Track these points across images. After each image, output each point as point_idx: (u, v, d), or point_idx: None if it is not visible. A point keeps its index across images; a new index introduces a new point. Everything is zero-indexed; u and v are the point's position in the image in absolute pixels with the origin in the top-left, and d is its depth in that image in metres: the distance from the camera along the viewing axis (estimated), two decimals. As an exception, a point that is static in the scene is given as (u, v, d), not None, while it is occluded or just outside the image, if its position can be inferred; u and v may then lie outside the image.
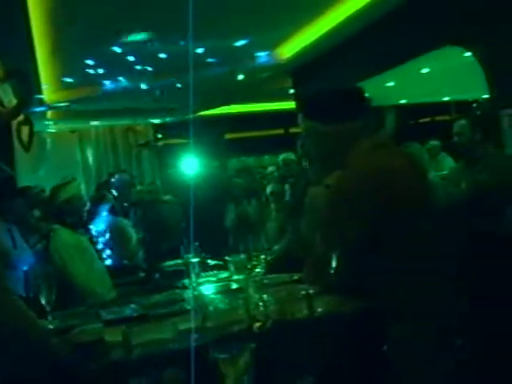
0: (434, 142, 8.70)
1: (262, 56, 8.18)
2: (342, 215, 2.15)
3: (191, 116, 10.78)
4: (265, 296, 1.25)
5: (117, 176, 8.31)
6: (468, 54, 5.85)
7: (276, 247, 4.82)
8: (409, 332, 1.97)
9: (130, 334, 0.92)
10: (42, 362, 1.63)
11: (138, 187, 8.97)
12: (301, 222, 4.65)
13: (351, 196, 2.13)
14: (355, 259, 2.08)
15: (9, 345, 1.58)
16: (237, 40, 7.20)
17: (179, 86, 8.45)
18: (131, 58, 7.37)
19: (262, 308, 1.14)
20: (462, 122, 4.41)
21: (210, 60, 7.76)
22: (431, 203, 2.34)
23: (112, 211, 6.69)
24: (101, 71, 7.85)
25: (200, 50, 7.21)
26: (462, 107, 10.90)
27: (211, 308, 1.07)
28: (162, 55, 7.35)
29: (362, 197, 2.10)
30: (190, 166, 9.24)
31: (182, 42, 6.43)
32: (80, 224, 4.51)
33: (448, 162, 7.99)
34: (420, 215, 2.18)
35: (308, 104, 2.43)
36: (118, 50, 6.93)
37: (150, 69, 7.95)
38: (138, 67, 7.87)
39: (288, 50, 8.10)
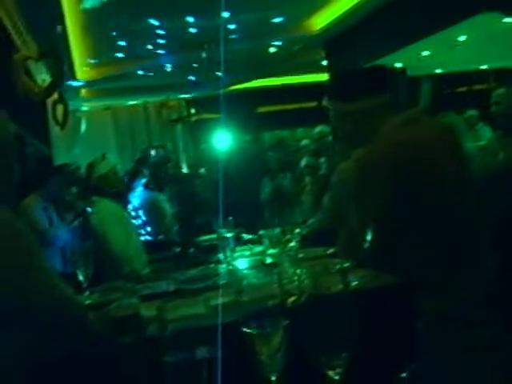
0: (472, 112, 8.52)
1: (293, 28, 8.08)
2: (369, 189, 2.13)
3: (221, 91, 10.76)
4: (299, 270, 1.23)
5: (152, 151, 8.37)
6: (507, 19, 5.68)
7: (311, 221, 4.80)
8: (440, 307, 1.95)
9: (164, 309, 0.91)
10: (78, 337, 1.65)
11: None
12: (327, 196, 4.65)
13: (378, 169, 2.11)
14: (387, 233, 2.07)
15: (47, 321, 1.60)
16: (269, 12, 7.12)
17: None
18: (163, 33, 7.35)
19: (296, 282, 1.13)
20: (501, 90, 4.29)
21: (242, 33, 7.69)
22: (466, 175, 2.30)
23: (147, 186, 6.74)
24: (133, 47, 7.87)
25: (232, 25, 7.16)
26: (500, 75, 10.63)
27: (245, 283, 1.06)
28: (193, 30, 7.32)
29: (388, 169, 2.08)
30: (223, 140, 9.24)
31: (215, 15, 6.37)
32: (118, 198, 4.57)
33: (486, 132, 7.83)
34: (452, 187, 2.14)
35: (332, 85, 2.44)
36: (149, 24, 6.93)
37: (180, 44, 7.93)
38: (170, 42, 7.85)
39: (320, 21, 7.99)
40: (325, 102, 2.39)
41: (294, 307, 1.02)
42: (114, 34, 7.16)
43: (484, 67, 11.74)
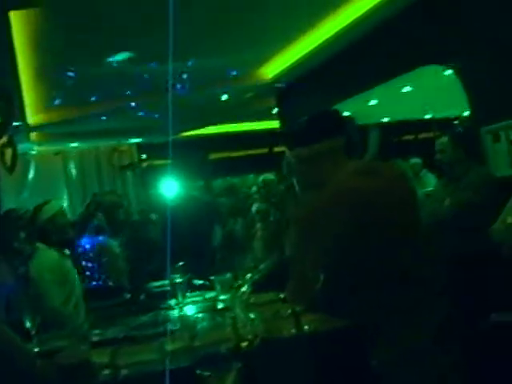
0: (416, 160, 8.82)
1: (245, 76, 8.23)
2: (320, 233, 2.17)
3: (171, 137, 10.78)
4: (251, 314, 1.25)
5: (105, 196, 8.26)
6: (449, 71, 5.93)
7: (262, 266, 4.82)
8: (393, 350, 1.98)
9: (117, 355, 0.91)
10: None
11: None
12: (286, 240, 4.69)
13: (330, 213, 2.15)
14: (337, 278, 2.09)
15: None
16: (220, 60, 7.24)
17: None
18: (114, 79, 7.37)
19: (248, 326, 1.15)
20: (444, 139, 4.46)
21: (193, 80, 7.78)
22: (417, 222, 2.36)
23: (99, 231, 6.65)
24: (85, 92, 7.86)
25: (183, 70, 7.23)
26: (443, 125, 11.02)
27: (198, 327, 1.07)
28: (145, 76, 7.37)
29: (341, 214, 2.12)
30: (174, 186, 9.23)
31: (166, 62, 6.44)
32: (65, 243, 4.43)
33: (430, 179, 8.10)
34: (404, 234, 2.19)
35: (288, 133, 2.51)
36: (101, 71, 6.95)
37: (129, 92, 7.97)
38: (121, 88, 7.88)
39: (271, 69, 8.17)
40: (286, 153, 2.45)
41: (247, 351, 1.03)
42: (67, 79, 7.14)
43: (428, 116, 12.16)
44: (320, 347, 1.06)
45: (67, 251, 4.48)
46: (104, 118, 9.36)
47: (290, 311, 1.16)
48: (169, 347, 0.96)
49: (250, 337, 1.10)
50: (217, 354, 1.00)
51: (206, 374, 0.95)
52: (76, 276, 4.42)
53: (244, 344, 1.04)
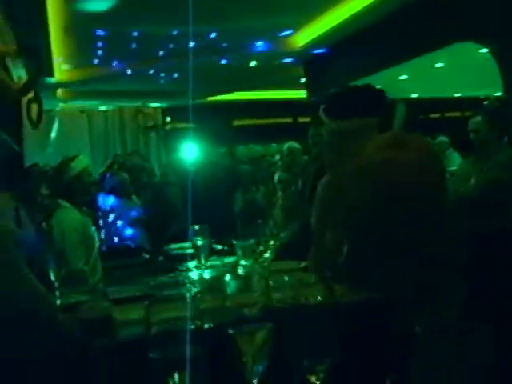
0: (443, 138, 8.70)
1: (274, 43, 8.14)
2: (345, 206, 2.16)
3: (194, 101, 10.75)
4: (278, 280, 1.24)
5: (128, 157, 8.31)
6: (484, 50, 5.80)
7: (283, 234, 4.82)
8: (412, 323, 1.98)
9: (151, 311, 0.91)
10: (51, 337, 1.63)
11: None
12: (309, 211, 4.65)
13: (354, 187, 2.14)
14: (357, 250, 2.09)
15: (21, 320, 1.57)
16: (251, 26, 7.16)
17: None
18: (143, 40, 7.34)
19: (277, 292, 1.15)
20: (478, 118, 4.36)
21: (222, 44, 7.73)
22: (442, 200, 2.33)
23: (121, 191, 6.69)
24: (113, 52, 7.84)
25: (213, 34, 7.18)
26: (472, 104, 10.85)
27: (228, 289, 1.07)
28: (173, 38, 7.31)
29: (365, 187, 2.11)
30: (196, 150, 9.23)
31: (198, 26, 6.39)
32: (87, 202, 4.41)
33: (455, 158, 8.00)
34: (427, 211, 2.17)
35: (330, 101, 2.46)
36: (130, 31, 6.92)
37: (161, 52, 7.92)
38: (151, 50, 7.84)
39: (302, 38, 8.06)
40: (321, 114, 2.42)
41: (277, 313, 1.03)
42: (96, 37, 7.13)
43: (457, 95, 11.97)
44: (344, 317, 1.06)
45: (88, 210, 4.46)
46: (131, 79, 9.35)
47: (313, 280, 1.15)
48: (201, 306, 0.95)
49: (278, 301, 1.09)
50: (248, 315, 1.00)
51: (238, 332, 0.96)
52: (95, 234, 4.43)
53: (274, 307, 1.04)
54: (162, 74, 9.31)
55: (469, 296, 2.26)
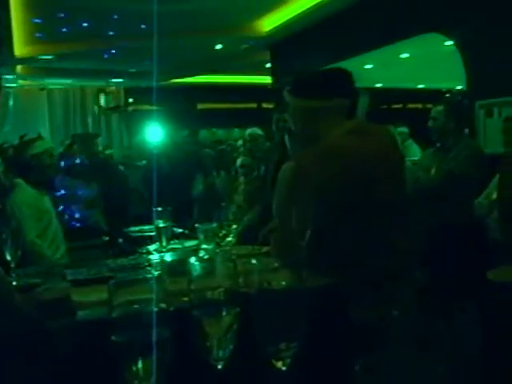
0: (403, 129, 8.80)
1: (242, 27, 8.09)
2: (308, 191, 2.15)
3: (158, 83, 10.62)
4: (245, 264, 1.23)
5: (85, 138, 8.17)
6: (449, 42, 5.86)
7: (246, 218, 4.82)
8: (373, 313, 2.00)
9: (114, 292, 0.89)
10: (7, 318, 1.58)
11: (108, 150, 8.86)
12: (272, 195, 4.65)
13: (318, 171, 2.13)
14: (320, 234, 2.09)
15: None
16: (219, 8, 7.09)
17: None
18: (111, 17, 7.20)
19: (243, 276, 1.13)
20: (439, 107, 4.42)
21: (189, 25, 7.64)
22: (402, 188, 2.35)
23: (79, 173, 6.59)
24: (77, 28, 7.67)
25: (179, 14, 7.07)
26: (434, 96, 10.99)
27: (193, 273, 1.05)
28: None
29: (328, 173, 2.11)
30: (159, 133, 9.15)
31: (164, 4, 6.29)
32: (45, 183, 4.32)
33: (415, 150, 8.09)
34: (388, 198, 2.19)
35: (297, 81, 2.42)
36: (96, 7, 6.77)
37: (129, 29, 7.78)
38: (114, 27, 7.71)
39: (268, 23, 8.03)
40: (285, 97, 2.37)
41: (242, 299, 1.02)
42: (59, 12, 6.96)
43: (421, 86, 12.11)
44: (308, 302, 1.05)
45: (45, 191, 4.35)
46: (92, 57, 9.18)
47: (276, 265, 1.14)
48: (168, 288, 0.94)
49: (244, 285, 1.08)
50: (214, 298, 0.99)
51: (204, 315, 0.94)
52: (53, 215, 4.34)
53: (240, 291, 1.03)
54: (126, 53, 9.17)
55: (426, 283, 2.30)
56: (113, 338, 0.86)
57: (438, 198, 4.31)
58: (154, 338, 0.83)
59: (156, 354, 0.84)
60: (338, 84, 2.28)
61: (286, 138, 4.32)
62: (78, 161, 6.71)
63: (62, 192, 6.34)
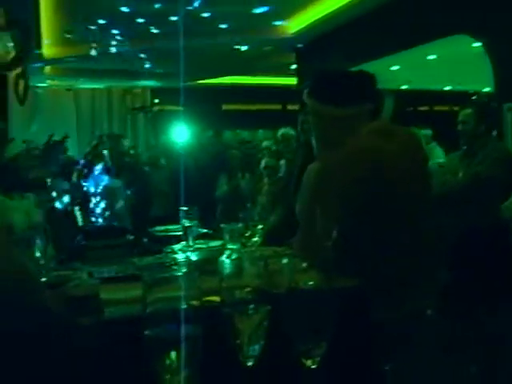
0: (427, 131, 8.73)
1: (267, 28, 8.10)
2: (334, 192, 2.15)
3: (184, 83, 10.66)
4: (276, 264, 1.24)
5: (112, 139, 8.24)
6: (477, 44, 5.81)
7: (271, 218, 4.82)
8: (395, 312, 1.99)
9: (149, 290, 0.90)
10: (37, 314, 1.60)
11: (132, 150, 8.93)
12: (297, 196, 4.65)
13: (343, 173, 2.13)
14: (349, 238, 2.09)
15: (7, 295, 1.55)
16: (245, 11, 7.11)
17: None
18: (137, 20, 7.26)
19: (273, 276, 1.14)
20: (468, 111, 4.37)
21: (215, 26, 7.67)
22: (427, 189, 2.34)
23: (104, 172, 6.65)
24: (104, 31, 7.74)
25: (206, 15, 7.11)
26: (460, 99, 10.87)
27: (224, 271, 1.06)
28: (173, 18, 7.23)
29: (354, 174, 2.10)
30: (185, 133, 9.20)
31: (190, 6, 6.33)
32: (25, 186, 4.19)
33: (438, 152, 8.02)
34: (413, 200, 2.18)
35: (317, 83, 2.39)
36: (123, 10, 6.83)
37: (155, 31, 7.84)
38: (142, 29, 7.76)
39: (294, 25, 8.02)
40: (306, 100, 2.35)
41: (273, 298, 1.03)
42: (86, 14, 7.03)
43: (447, 88, 12.00)
44: (334, 302, 1.06)
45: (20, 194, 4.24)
46: (120, 59, 9.25)
47: (304, 265, 1.15)
48: (199, 286, 0.94)
49: (275, 285, 1.09)
50: (245, 297, 1.00)
51: (235, 312, 0.95)
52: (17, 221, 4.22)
53: (271, 290, 1.03)
54: (152, 55, 9.24)
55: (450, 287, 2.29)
56: (146, 332, 0.87)
57: (466, 201, 4.28)
58: (184, 334, 0.84)
59: (187, 349, 0.85)
60: (361, 89, 2.26)
61: (313, 138, 4.32)
62: (103, 163, 6.77)
63: (90, 190, 6.40)
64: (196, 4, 5.70)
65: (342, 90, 2.25)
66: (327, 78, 2.37)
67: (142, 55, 9.16)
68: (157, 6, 6.66)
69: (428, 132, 8.66)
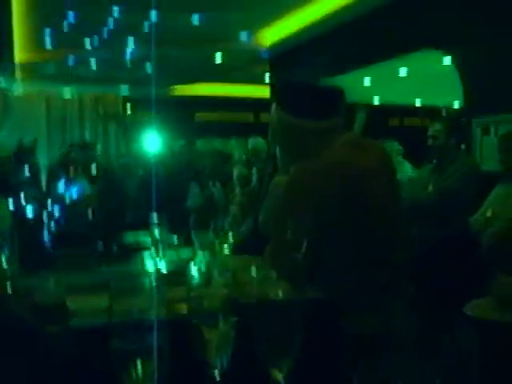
0: (395, 145, 8.81)
1: (242, 38, 8.11)
2: (303, 204, 2.16)
3: (153, 90, 10.59)
4: (245, 275, 1.24)
5: (80, 148, 8.18)
6: (447, 59, 5.90)
7: (243, 228, 4.83)
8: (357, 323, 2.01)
9: (114, 300, 0.89)
10: (5, 321, 1.58)
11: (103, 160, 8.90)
12: (262, 207, 4.68)
13: (313, 185, 2.14)
14: (317, 250, 2.10)
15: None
16: (219, 19, 7.12)
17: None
18: (109, 26, 7.21)
19: (242, 286, 1.14)
20: (438, 125, 4.44)
21: (187, 35, 7.66)
22: (396, 203, 2.36)
23: (74, 180, 6.61)
24: (77, 35, 7.67)
25: (181, 23, 7.10)
26: (429, 112, 11.00)
27: (192, 281, 1.06)
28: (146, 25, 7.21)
29: (323, 187, 2.12)
30: (157, 141, 9.16)
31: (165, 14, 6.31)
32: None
33: (407, 166, 8.09)
34: (382, 213, 2.20)
35: (285, 95, 2.40)
36: (97, 15, 6.78)
37: (129, 38, 7.79)
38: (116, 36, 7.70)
39: (269, 35, 8.06)
40: (272, 108, 2.35)
41: (241, 309, 1.03)
42: (59, 18, 6.96)
43: (417, 103, 12.12)
44: (303, 313, 1.06)
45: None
46: (93, 64, 9.17)
47: (274, 276, 1.15)
48: (167, 296, 0.94)
49: (243, 296, 1.09)
50: (213, 307, 1.00)
51: (203, 324, 0.95)
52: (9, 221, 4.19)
53: (240, 301, 1.03)
54: (125, 61, 9.18)
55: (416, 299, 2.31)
56: (112, 344, 0.86)
57: (434, 215, 4.34)
58: (152, 345, 0.84)
59: (154, 360, 0.85)
60: (332, 103, 2.28)
61: (278, 150, 4.34)
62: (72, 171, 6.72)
63: (60, 196, 6.35)
64: (171, 12, 5.68)
65: (315, 104, 2.26)
66: (298, 90, 2.38)
67: (115, 62, 9.09)
68: (130, 13, 6.64)
69: (396, 146, 8.75)
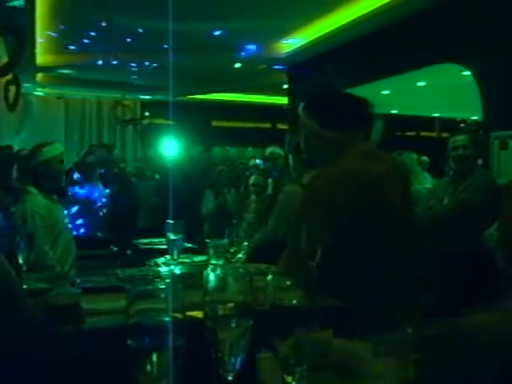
0: (412, 155, 8.77)
1: (261, 47, 8.16)
2: (318, 213, 2.16)
3: (174, 98, 10.68)
4: (260, 281, 1.25)
5: (101, 150, 8.24)
6: (467, 72, 5.88)
7: (257, 236, 4.83)
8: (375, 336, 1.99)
9: (132, 302, 0.90)
10: (19, 322, 1.59)
11: (122, 164, 8.95)
12: (271, 215, 4.69)
13: (328, 194, 2.15)
14: (328, 255, 2.10)
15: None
16: (238, 28, 7.16)
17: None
18: (131, 31, 7.29)
19: (257, 293, 1.15)
20: (460, 137, 4.39)
21: (207, 43, 7.71)
22: (410, 213, 2.36)
23: (91, 182, 6.65)
24: (98, 41, 7.75)
25: (199, 32, 7.16)
26: (448, 125, 10.98)
27: (207, 286, 1.07)
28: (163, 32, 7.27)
29: (338, 196, 2.12)
30: (173, 147, 9.22)
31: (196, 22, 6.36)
32: (57, 189, 4.24)
33: (426, 177, 8.06)
34: (396, 223, 2.19)
35: (314, 102, 2.41)
36: (118, 21, 6.85)
37: (148, 44, 7.87)
38: (136, 43, 7.79)
39: (287, 45, 8.09)
40: (300, 112, 2.36)
41: (257, 313, 1.04)
42: (82, 23, 7.05)
43: (436, 115, 12.11)
44: (315, 321, 1.07)
45: (56, 197, 4.28)
46: (113, 70, 9.26)
47: (288, 283, 1.16)
48: (182, 299, 0.95)
49: (259, 302, 1.10)
50: (228, 312, 1.00)
51: (218, 326, 0.96)
52: (64, 223, 4.30)
53: (254, 307, 1.04)
54: (145, 67, 9.26)
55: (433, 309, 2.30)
56: (128, 342, 0.87)
57: (451, 227, 4.31)
58: (167, 345, 0.85)
59: (168, 360, 0.86)
60: (362, 116, 2.29)
61: (290, 158, 4.35)
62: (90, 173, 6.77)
63: (77, 198, 6.39)
64: (191, 20, 5.73)
65: (344, 116, 2.27)
66: (328, 100, 2.38)
67: (134, 68, 9.18)
68: (150, 20, 6.70)
69: (414, 156, 8.71)
